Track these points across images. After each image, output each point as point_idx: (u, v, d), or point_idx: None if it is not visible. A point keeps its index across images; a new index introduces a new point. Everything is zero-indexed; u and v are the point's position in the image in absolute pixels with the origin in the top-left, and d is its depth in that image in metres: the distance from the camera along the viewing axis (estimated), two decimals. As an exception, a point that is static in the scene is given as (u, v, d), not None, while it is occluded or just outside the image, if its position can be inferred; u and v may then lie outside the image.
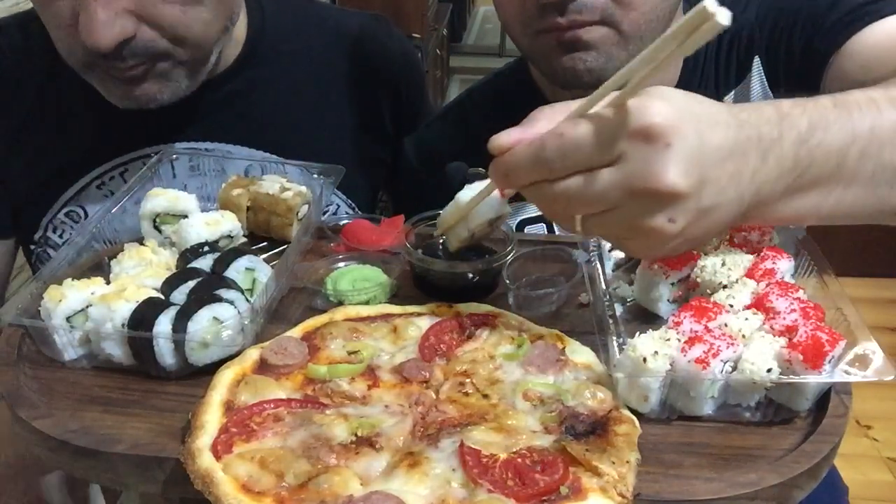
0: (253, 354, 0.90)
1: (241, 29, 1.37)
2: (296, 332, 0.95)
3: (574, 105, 0.78)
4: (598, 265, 1.02)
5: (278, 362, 0.88)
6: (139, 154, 1.34)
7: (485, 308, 0.99)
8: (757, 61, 1.23)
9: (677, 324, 0.86)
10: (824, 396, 0.85)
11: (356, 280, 1.05)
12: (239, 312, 0.92)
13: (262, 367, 0.88)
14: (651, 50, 0.72)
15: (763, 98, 1.24)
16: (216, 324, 0.90)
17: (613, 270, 1.06)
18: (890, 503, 2.82)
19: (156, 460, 0.80)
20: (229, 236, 1.11)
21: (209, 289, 0.95)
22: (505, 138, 0.80)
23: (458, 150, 1.37)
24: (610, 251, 1.07)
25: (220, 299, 0.93)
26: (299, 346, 0.91)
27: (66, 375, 0.92)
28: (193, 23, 1.14)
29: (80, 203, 1.34)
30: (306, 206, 1.18)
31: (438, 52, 5.74)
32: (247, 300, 0.96)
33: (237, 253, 1.04)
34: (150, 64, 1.15)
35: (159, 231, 1.12)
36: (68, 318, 0.92)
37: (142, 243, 1.08)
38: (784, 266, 0.94)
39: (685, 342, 0.83)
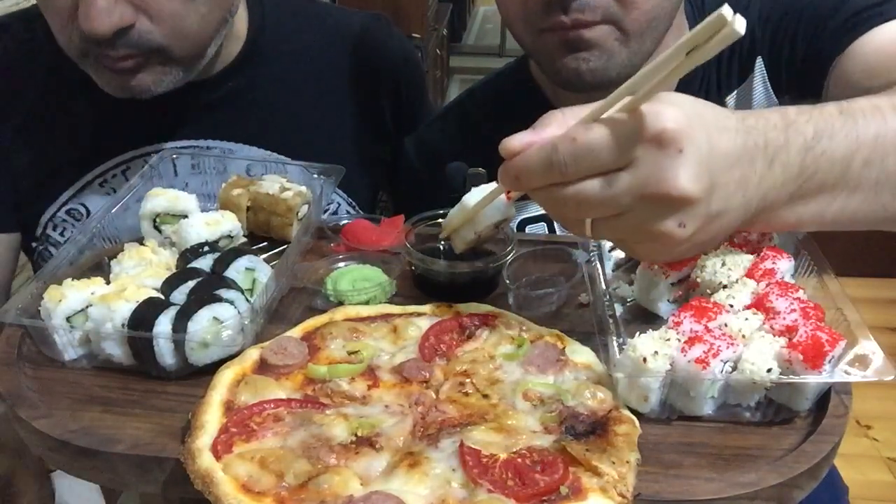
0: (253, 354, 0.90)
1: (241, 26, 1.37)
2: (296, 332, 0.95)
3: (585, 110, 0.78)
4: (598, 265, 1.02)
5: (278, 362, 0.88)
6: (141, 152, 1.34)
7: (485, 308, 0.99)
8: (759, 62, 1.23)
9: (677, 324, 0.86)
10: (824, 396, 0.85)
11: (356, 280, 1.05)
12: (239, 312, 0.92)
13: (262, 367, 0.88)
14: (664, 57, 0.72)
15: (765, 99, 1.24)
16: (216, 324, 0.90)
17: (613, 270, 1.06)
18: (890, 503, 2.82)
19: (156, 460, 0.80)
20: (229, 236, 1.11)
21: (209, 289, 0.95)
22: (516, 141, 0.80)
23: (459, 149, 1.37)
24: (610, 251, 1.07)
25: (220, 299, 0.93)
26: (299, 346, 0.91)
27: (66, 375, 0.92)
28: (190, 15, 1.14)
29: (82, 201, 1.34)
30: (306, 206, 1.18)
31: (438, 52, 5.74)
32: (247, 300, 0.96)
33: (237, 253, 1.04)
34: (142, 59, 1.15)
35: (159, 231, 1.12)
36: (68, 318, 0.92)
37: (142, 243, 1.08)
38: (784, 266, 0.94)
39: (685, 342, 0.83)
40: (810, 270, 0.96)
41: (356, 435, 0.79)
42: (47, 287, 0.94)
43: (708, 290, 0.94)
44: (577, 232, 0.83)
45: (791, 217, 0.86)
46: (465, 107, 1.50)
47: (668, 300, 0.98)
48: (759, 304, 0.89)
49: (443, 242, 1.06)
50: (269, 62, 1.40)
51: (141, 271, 1.00)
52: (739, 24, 0.66)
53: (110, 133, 1.33)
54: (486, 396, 0.85)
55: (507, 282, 1.05)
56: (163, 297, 0.95)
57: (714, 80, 1.26)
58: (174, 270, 1.02)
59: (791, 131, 0.81)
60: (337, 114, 1.46)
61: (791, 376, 0.81)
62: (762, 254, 0.95)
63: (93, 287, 0.95)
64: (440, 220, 1.07)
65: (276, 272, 1.02)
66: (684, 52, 0.70)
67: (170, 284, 0.97)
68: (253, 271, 1.03)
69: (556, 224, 1.32)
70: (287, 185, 1.19)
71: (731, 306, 0.90)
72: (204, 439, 0.77)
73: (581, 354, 0.91)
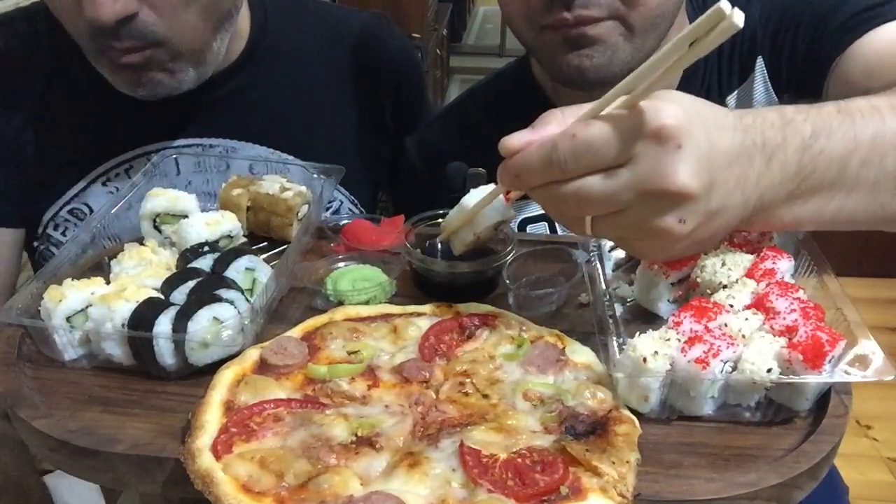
0: (253, 354, 0.90)
1: (244, 25, 1.37)
2: (296, 332, 0.95)
3: (584, 108, 0.78)
4: (598, 265, 1.02)
5: (278, 362, 0.88)
6: (144, 151, 1.35)
7: (485, 308, 0.99)
8: (760, 62, 1.23)
9: (677, 324, 0.86)
10: (824, 396, 0.85)
11: (356, 280, 1.05)
12: (239, 312, 0.92)
13: (262, 367, 0.88)
14: (663, 52, 0.72)
15: (766, 99, 1.24)
16: (216, 324, 0.90)
17: (613, 270, 1.06)
18: (890, 503, 2.82)
19: (156, 460, 0.80)
20: (229, 236, 1.11)
21: (209, 289, 0.95)
22: (515, 140, 0.80)
23: (460, 149, 1.37)
24: (610, 251, 1.07)
25: (220, 299, 0.93)
26: (299, 346, 0.91)
27: (66, 375, 0.92)
28: (192, 7, 1.15)
29: (85, 199, 1.34)
30: (306, 206, 1.18)
31: (438, 52, 5.74)
32: (247, 300, 0.96)
33: (237, 253, 1.04)
34: (147, 52, 1.15)
35: (159, 231, 1.12)
36: (68, 318, 0.92)
37: (142, 243, 1.08)
38: (784, 266, 0.94)
39: (685, 342, 0.83)
40: (810, 270, 0.96)
41: (356, 435, 0.79)
42: (47, 287, 0.94)
43: (708, 290, 0.94)
44: (577, 230, 0.83)
45: (789, 216, 0.86)
46: (466, 107, 1.50)
47: (668, 300, 0.98)
48: (759, 304, 0.89)
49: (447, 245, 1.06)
50: (270, 61, 1.40)
51: (141, 271, 1.00)
52: (738, 17, 0.66)
53: (114, 131, 1.33)
54: (486, 396, 0.85)
55: (507, 282, 1.04)
56: (163, 297, 0.95)
57: (715, 80, 1.26)
58: (174, 270, 1.02)
59: (789, 130, 0.81)
60: (338, 112, 1.47)
61: (791, 376, 0.81)
62: (762, 254, 0.95)
63: (93, 287, 0.95)
64: (440, 221, 1.07)
65: (276, 272, 1.02)
66: (684, 46, 0.70)
67: (170, 284, 0.97)
68: (253, 271, 1.03)
69: (560, 225, 1.32)
70: (287, 185, 1.19)
71: (731, 306, 0.90)
72: (204, 439, 0.77)
73: (581, 354, 0.91)
